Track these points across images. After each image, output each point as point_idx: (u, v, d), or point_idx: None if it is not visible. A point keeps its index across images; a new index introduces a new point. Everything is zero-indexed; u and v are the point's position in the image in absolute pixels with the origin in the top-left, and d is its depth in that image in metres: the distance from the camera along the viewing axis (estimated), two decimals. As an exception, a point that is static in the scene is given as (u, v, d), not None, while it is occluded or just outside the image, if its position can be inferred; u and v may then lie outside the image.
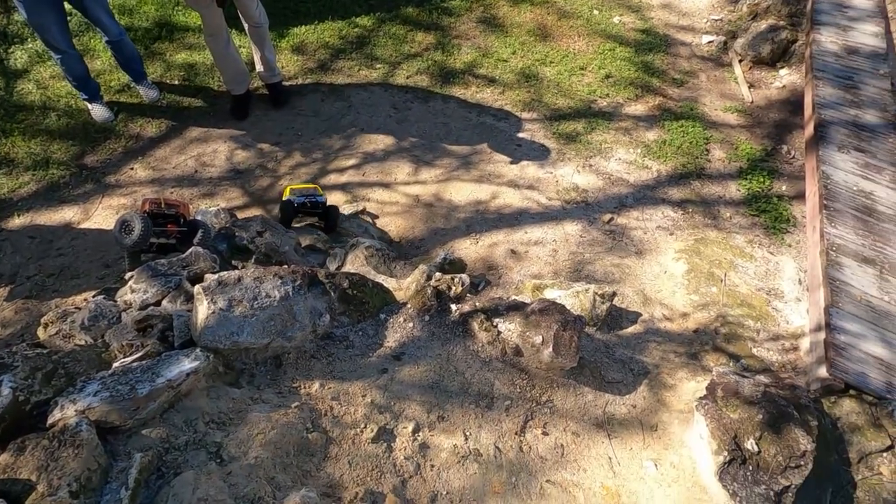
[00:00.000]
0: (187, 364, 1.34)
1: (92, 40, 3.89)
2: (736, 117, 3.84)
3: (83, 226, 2.93)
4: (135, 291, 1.74)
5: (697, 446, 1.77)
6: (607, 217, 3.10)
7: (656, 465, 1.75)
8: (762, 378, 2.02)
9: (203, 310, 1.47)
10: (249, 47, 3.55)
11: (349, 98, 3.79)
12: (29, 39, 3.80)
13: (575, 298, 2.37)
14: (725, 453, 1.68)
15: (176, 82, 3.79)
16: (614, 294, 2.37)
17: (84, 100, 3.44)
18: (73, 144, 3.33)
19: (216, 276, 1.53)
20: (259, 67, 3.53)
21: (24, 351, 1.30)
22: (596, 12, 4.67)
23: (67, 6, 2.97)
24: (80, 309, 1.72)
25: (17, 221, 2.92)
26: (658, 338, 2.39)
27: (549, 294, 2.44)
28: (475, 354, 1.89)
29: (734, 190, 3.36)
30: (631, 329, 2.43)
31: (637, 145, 3.59)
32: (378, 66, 4.05)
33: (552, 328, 1.85)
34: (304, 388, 1.60)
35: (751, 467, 1.68)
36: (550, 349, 1.83)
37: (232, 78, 3.48)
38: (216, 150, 3.39)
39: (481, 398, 1.81)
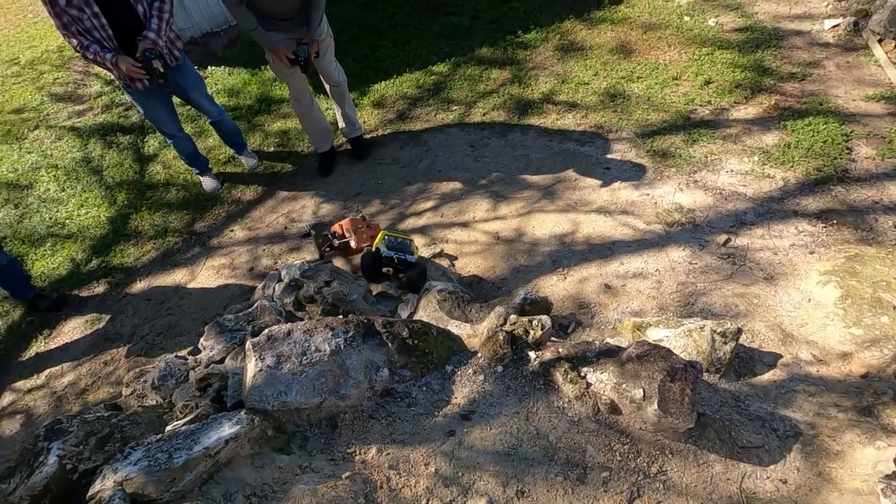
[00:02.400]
0: (227, 430, 1.24)
1: (204, 123, 4.40)
2: (883, 106, 3.13)
3: (189, 286, 3.16)
4: (204, 349, 1.74)
5: (890, 547, 1.26)
6: (722, 238, 2.61)
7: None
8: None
9: (251, 367, 1.38)
10: (332, 107, 3.74)
11: (426, 142, 3.78)
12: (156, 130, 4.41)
13: (687, 338, 1.95)
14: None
15: (272, 149, 4.09)
16: (740, 331, 1.91)
17: (196, 174, 3.84)
18: (186, 213, 3.69)
19: (267, 330, 1.45)
20: (341, 124, 3.69)
21: (84, 415, 1.30)
22: (687, 18, 4.25)
23: (176, 99, 3.38)
24: (154, 368, 1.75)
25: (138, 286, 3.25)
26: (809, 386, 1.85)
27: (654, 334, 2.04)
28: (560, 412, 1.58)
29: (894, 193, 2.67)
30: (768, 375, 1.92)
31: (753, 153, 3.06)
32: (454, 107, 4.02)
33: (655, 378, 1.49)
34: (360, 454, 1.43)
35: None
36: (655, 406, 1.46)
37: (317, 137, 3.67)
38: (304, 206, 3.54)
39: (571, 468, 1.48)
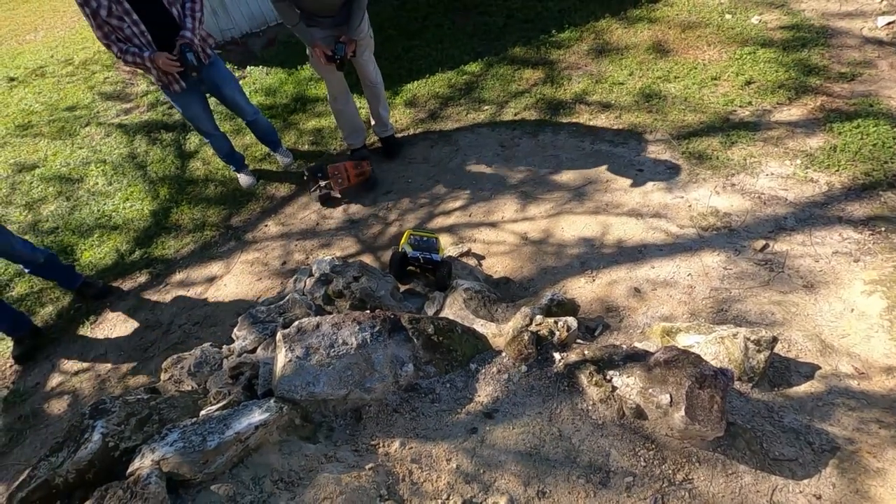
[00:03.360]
0: (257, 416, 1.28)
1: (241, 122, 4.54)
2: (941, 107, 2.96)
3: (224, 278, 3.28)
4: (237, 338, 1.80)
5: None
6: (760, 244, 2.53)
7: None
8: None
9: (281, 358, 1.43)
10: (366, 106, 3.80)
11: (457, 142, 3.80)
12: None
13: (719, 345, 1.90)
14: None
15: (306, 147, 4.19)
16: (775, 340, 1.84)
17: (233, 171, 3.97)
18: (223, 208, 3.82)
19: (297, 322, 1.50)
20: (373, 123, 3.75)
21: (126, 396, 1.37)
22: (729, 16, 4.13)
23: (212, 100, 3.50)
24: (191, 355, 1.83)
25: (177, 277, 3.39)
26: (849, 400, 1.77)
27: (684, 340, 2.00)
28: (584, 415, 1.57)
29: (951, 199, 2.53)
30: (805, 387, 1.85)
31: (795, 155, 2.94)
32: (485, 107, 4.02)
33: (683, 385, 1.46)
34: (384, 446, 1.46)
35: None
36: (682, 412, 1.43)
37: (350, 133, 3.75)
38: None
39: (593, 471, 1.47)
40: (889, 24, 3.56)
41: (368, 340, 1.49)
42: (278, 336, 1.48)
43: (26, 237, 3.85)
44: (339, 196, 3.52)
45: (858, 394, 1.80)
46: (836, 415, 1.71)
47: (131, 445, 1.27)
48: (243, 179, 3.94)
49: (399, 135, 3.98)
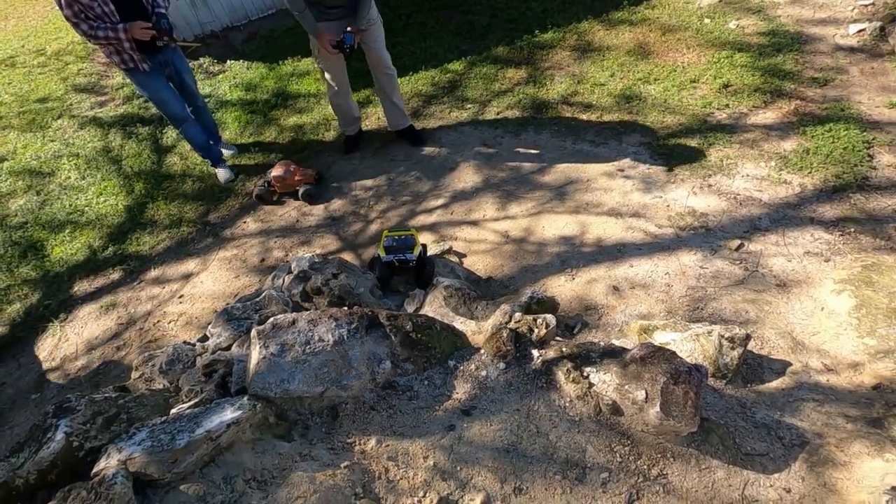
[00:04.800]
0: (229, 414, 1.26)
1: (225, 115, 4.45)
2: (909, 113, 3.06)
3: (201, 275, 3.21)
4: (212, 336, 1.76)
5: (894, 561, 1.24)
6: (735, 244, 2.58)
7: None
8: None
9: (255, 355, 1.40)
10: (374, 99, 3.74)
11: (440, 140, 3.79)
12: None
13: (695, 343, 1.93)
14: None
15: (286, 142, 4.13)
16: (748, 337, 1.88)
17: (210, 166, 3.89)
18: (201, 204, 3.75)
19: (272, 318, 1.47)
20: (388, 117, 3.70)
21: (93, 395, 1.33)
22: (707, 21, 4.20)
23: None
24: (163, 353, 1.78)
25: (152, 274, 3.30)
26: (818, 395, 1.82)
27: (661, 337, 2.02)
28: (561, 411, 1.58)
29: (917, 201, 2.61)
30: (776, 383, 1.89)
31: (770, 158, 3.01)
32: (468, 106, 4.02)
33: (658, 381, 1.47)
34: (360, 444, 1.44)
35: None
36: (657, 408, 1.45)
37: (348, 123, 3.74)
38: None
39: (570, 467, 1.48)
40: (860, 31, 3.66)
41: (345, 337, 1.47)
42: (253, 332, 1.46)
43: (-7, 232, 3.73)
44: (276, 196, 3.59)
45: (827, 389, 1.85)
46: (806, 410, 1.75)
47: (97, 445, 1.23)
48: (221, 174, 3.86)
49: (384, 131, 3.95)
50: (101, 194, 3.89)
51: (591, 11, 4.59)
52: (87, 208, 3.79)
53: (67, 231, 3.64)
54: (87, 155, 4.27)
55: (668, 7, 4.43)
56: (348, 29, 3.00)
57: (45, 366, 2.83)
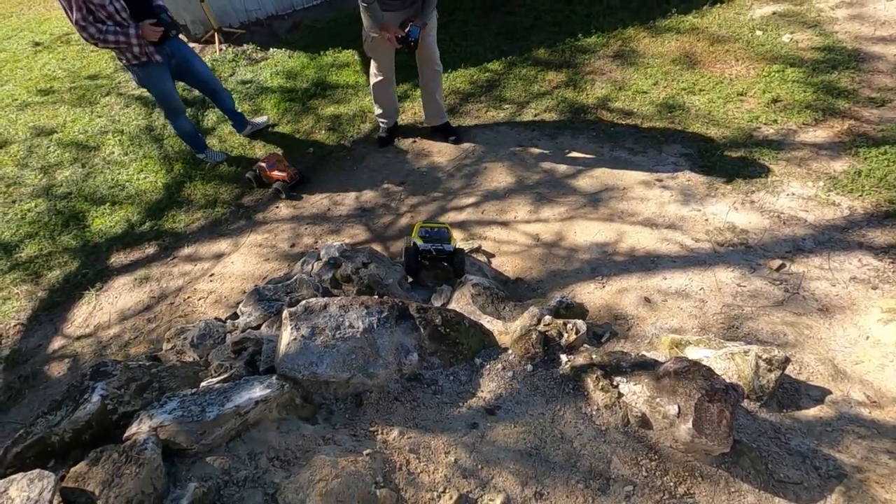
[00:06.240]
0: (258, 391, 1.27)
1: (264, 101, 4.53)
2: (973, 140, 2.90)
3: (232, 256, 3.27)
4: (242, 314, 1.78)
5: None
6: (776, 263, 2.48)
7: None
8: None
9: (286, 336, 1.41)
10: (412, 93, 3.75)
11: (475, 138, 3.77)
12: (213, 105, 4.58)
13: (728, 361, 1.86)
14: None
15: (323, 132, 4.18)
16: (787, 360, 1.80)
17: (199, 155, 3.94)
18: (236, 187, 3.82)
19: (304, 301, 1.48)
20: (428, 112, 3.70)
21: (127, 361, 1.36)
22: (759, 33, 4.07)
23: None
24: (194, 327, 1.81)
25: (185, 251, 3.38)
26: (859, 428, 1.73)
27: (693, 353, 1.96)
28: (588, 419, 1.54)
29: (976, 233, 2.47)
30: (814, 411, 1.81)
31: (818, 177, 2.89)
32: (506, 106, 3.99)
33: (693, 397, 1.42)
34: (382, 433, 1.43)
35: None
36: (690, 424, 1.40)
37: (389, 113, 3.75)
38: (347, 190, 3.59)
39: (593, 477, 1.44)
40: (923, 52, 3.50)
41: (375, 325, 1.47)
42: (284, 314, 1.46)
43: (38, 200, 3.88)
44: (265, 183, 3.68)
45: (869, 422, 1.76)
46: (845, 441, 1.67)
47: (130, 410, 1.26)
48: (211, 155, 3.95)
49: (420, 126, 3.96)
50: (142, 171, 4.00)
51: (637, 18, 4.50)
52: (127, 183, 3.90)
53: (108, 204, 3.75)
54: (130, 132, 4.39)
55: (719, 17, 4.32)
56: (413, 23, 2.97)
57: (80, 332, 2.92)
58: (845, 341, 2.10)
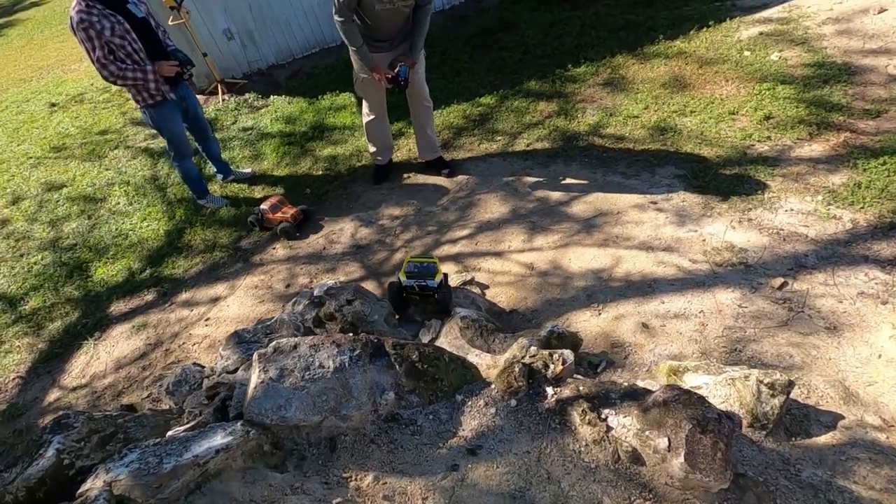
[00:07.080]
0: (219, 439, 1.22)
1: (264, 146, 4.64)
2: (976, 145, 2.82)
3: (228, 300, 3.27)
4: (221, 358, 1.75)
5: None
6: (778, 282, 2.39)
7: None
8: None
9: (254, 378, 1.37)
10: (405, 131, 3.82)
11: (468, 170, 3.79)
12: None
13: (729, 387, 1.76)
14: None
15: (320, 172, 4.24)
16: (791, 384, 1.70)
17: (198, 200, 4.02)
18: (234, 231, 3.86)
19: (274, 342, 1.44)
20: (421, 147, 3.75)
21: (93, 412, 1.32)
22: (748, 53, 4.09)
23: None
24: (171, 374, 1.78)
25: (183, 296, 3.40)
26: (876, 455, 1.60)
27: (692, 380, 1.86)
28: (575, 456, 1.45)
29: None
30: (825, 438, 1.68)
31: (817, 191, 2.82)
32: (498, 138, 4.03)
33: (683, 428, 1.33)
34: (356, 479, 1.36)
35: None
36: (682, 459, 1.30)
37: (382, 151, 3.80)
38: (343, 228, 3.60)
39: (582, 520, 1.34)
40: (916, 61, 3.46)
41: (347, 364, 1.42)
42: (254, 356, 1.43)
43: (45, 253, 3.96)
44: (267, 226, 3.70)
45: (887, 448, 1.63)
46: (862, 471, 1.54)
47: (88, 464, 1.21)
48: (212, 201, 4.02)
49: (414, 161, 4.00)
50: (145, 219, 4.08)
51: (626, 46, 4.57)
52: (130, 232, 3.98)
53: (111, 253, 3.81)
54: (136, 182, 4.52)
55: (706, 40, 4.36)
56: (402, 63, 3.05)
57: (76, 383, 2.91)
58: (856, 361, 1.98)
